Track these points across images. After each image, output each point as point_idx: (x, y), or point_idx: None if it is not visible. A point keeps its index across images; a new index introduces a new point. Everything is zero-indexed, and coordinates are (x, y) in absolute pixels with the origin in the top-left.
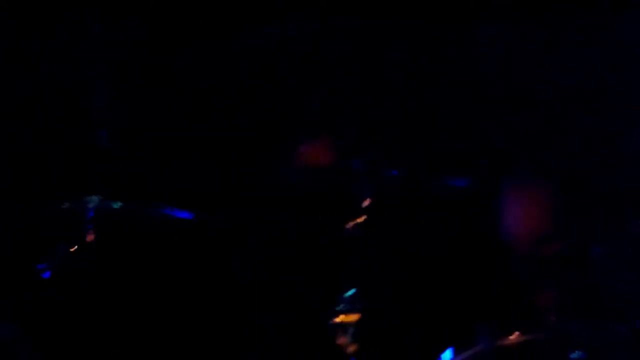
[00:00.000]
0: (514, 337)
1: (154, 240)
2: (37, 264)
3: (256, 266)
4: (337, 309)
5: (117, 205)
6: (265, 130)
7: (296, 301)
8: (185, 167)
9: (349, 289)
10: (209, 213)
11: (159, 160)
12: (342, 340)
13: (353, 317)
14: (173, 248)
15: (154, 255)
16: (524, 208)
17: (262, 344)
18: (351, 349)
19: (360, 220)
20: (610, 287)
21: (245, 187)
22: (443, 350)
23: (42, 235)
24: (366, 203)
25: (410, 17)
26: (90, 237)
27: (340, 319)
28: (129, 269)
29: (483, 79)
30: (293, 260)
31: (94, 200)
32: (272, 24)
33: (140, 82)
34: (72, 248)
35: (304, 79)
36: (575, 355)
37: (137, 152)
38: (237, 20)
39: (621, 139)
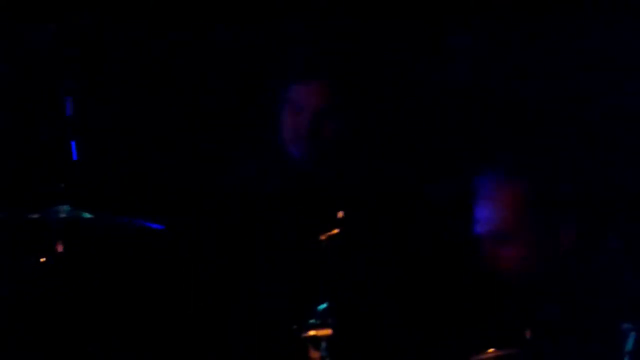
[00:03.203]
0: (489, 352)
1: (123, 251)
2: (5, 274)
3: (228, 276)
4: (310, 322)
5: (86, 215)
6: (240, 136)
7: (268, 313)
8: (159, 177)
9: (322, 303)
10: (181, 223)
11: (130, 169)
12: (313, 354)
13: (325, 332)
14: (143, 259)
15: (123, 266)
16: (495, 208)
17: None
18: None
19: (334, 232)
20: (589, 297)
21: (217, 196)
22: None
23: (9, 245)
24: (340, 215)
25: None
26: (59, 248)
27: (312, 332)
28: (98, 279)
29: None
30: (266, 271)
31: (63, 210)
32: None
33: (111, 90)
34: (41, 258)
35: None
36: None
37: (108, 162)
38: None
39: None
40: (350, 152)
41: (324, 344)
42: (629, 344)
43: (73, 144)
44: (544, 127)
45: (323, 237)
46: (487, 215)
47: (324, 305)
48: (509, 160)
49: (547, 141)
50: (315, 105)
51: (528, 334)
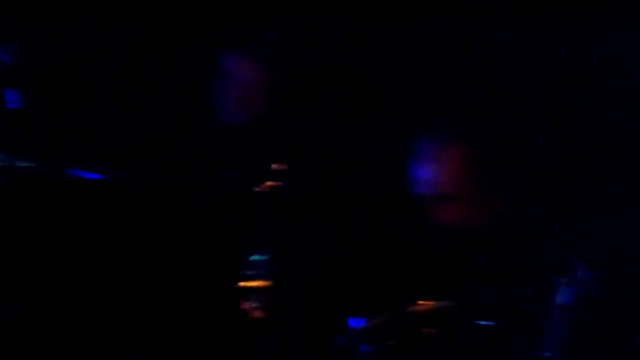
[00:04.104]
0: (425, 304)
1: (60, 201)
2: None
3: (166, 228)
4: (245, 273)
5: (22, 163)
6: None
7: (203, 265)
8: (97, 125)
9: (258, 254)
10: (121, 174)
11: (69, 117)
12: (247, 305)
13: (260, 283)
14: (80, 210)
15: (59, 217)
16: (436, 169)
17: (169, 306)
18: (258, 314)
19: (272, 183)
20: (521, 254)
21: (158, 147)
22: (352, 318)
23: None
24: (276, 167)
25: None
26: None
27: (247, 283)
28: (32, 229)
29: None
30: (202, 223)
31: None
32: None
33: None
34: None
35: None
36: (485, 322)
37: (46, 110)
38: None
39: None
40: (284, 120)
41: (257, 296)
42: (560, 297)
43: (6, 92)
44: (487, 92)
45: (259, 190)
46: (428, 176)
47: (258, 257)
48: (451, 122)
49: (488, 105)
50: (245, 77)
51: (463, 287)
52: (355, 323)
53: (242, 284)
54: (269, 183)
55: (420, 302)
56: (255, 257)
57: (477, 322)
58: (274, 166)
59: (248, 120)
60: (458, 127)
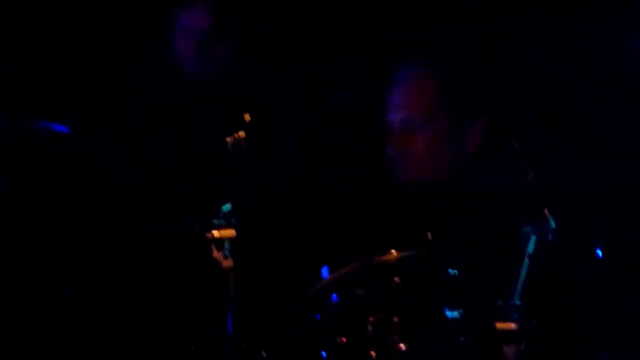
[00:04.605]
0: (390, 254)
1: (27, 153)
2: None
3: (131, 175)
4: (213, 222)
5: None
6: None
7: (172, 214)
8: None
9: (225, 203)
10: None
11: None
12: (217, 254)
13: (229, 232)
14: (48, 162)
15: (27, 169)
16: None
17: (137, 252)
18: (227, 264)
19: (240, 134)
20: (489, 203)
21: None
22: (320, 267)
23: None
24: (247, 118)
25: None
26: None
27: (216, 233)
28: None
29: None
30: (171, 172)
31: None
32: None
33: None
34: None
35: None
36: (450, 270)
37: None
38: None
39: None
40: (243, 69)
41: (227, 245)
42: (530, 247)
43: None
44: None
45: (228, 139)
46: (399, 101)
47: (227, 206)
48: (426, 54)
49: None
50: (201, 28)
51: (428, 236)
52: (325, 273)
53: (212, 233)
54: (238, 133)
55: (389, 251)
56: (226, 207)
57: (445, 270)
58: (245, 116)
59: (210, 68)
60: (434, 61)
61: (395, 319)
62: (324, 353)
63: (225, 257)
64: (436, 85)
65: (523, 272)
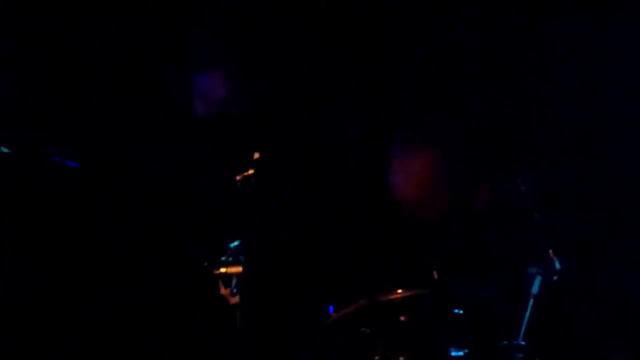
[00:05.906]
0: (398, 293)
1: (39, 187)
2: None
3: (141, 213)
4: (222, 260)
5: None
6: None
7: (182, 250)
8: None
9: (234, 241)
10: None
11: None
12: (224, 290)
13: (236, 269)
14: (58, 196)
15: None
16: (411, 169)
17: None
18: (234, 300)
19: (249, 173)
20: (491, 244)
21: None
22: (327, 306)
23: None
24: (256, 156)
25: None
26: None
27: (223, 269)
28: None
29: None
30: (181, 209)
31: None
32: None
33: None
34: None
35: None
36: (456, 309)
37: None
38: None
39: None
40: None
41: (234, 281)
42: (535, 287)
43: None
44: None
45: (238, 177)
46: (401, 180)
47: (235, 243)
48: (421, 125)
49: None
50: (220, 95)
51: (435, 275)
52: (332, 311)
53: (220, 270)
54: (245, 174)
55: (395, 290)
56: (234, 244)
57: (451, 310)
58: (255, 155)
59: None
60: (428, 130)
61: (401, 358)
62: None
63: (233, 294)
64: (437, 158)
65: (528, 312)
